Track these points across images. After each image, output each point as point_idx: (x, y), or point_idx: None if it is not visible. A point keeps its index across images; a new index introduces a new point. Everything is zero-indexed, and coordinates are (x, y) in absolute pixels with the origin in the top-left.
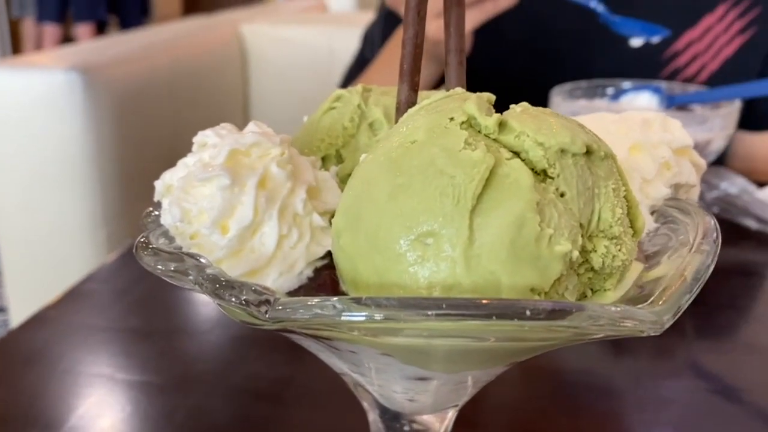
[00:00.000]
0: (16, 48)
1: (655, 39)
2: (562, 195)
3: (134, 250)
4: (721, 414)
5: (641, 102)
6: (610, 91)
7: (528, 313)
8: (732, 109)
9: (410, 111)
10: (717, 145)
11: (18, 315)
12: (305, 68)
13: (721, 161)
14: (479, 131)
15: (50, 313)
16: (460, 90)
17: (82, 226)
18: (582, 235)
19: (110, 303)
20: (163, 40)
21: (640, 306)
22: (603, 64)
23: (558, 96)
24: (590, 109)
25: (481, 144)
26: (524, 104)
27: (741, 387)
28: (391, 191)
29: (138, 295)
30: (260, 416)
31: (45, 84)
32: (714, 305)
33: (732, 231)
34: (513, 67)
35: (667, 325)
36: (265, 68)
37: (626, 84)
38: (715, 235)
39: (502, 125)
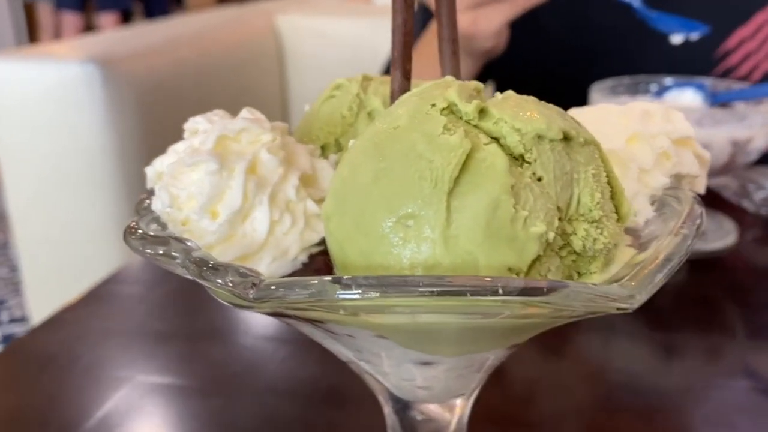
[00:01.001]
0: (33, 38)
1: (694, 36)
2: (539, 179)
3: (123, 236)
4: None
5: (685, 99)
6: (653, 87)
7: (500, 290)
8: None
9: (401, 98)
10: (759, 143)
11: None
12: (347, 64)
13: None
14: (460, 117)
15: (68, 316)
16: (449, 78)
17: (105, 228)
18: (560, 219)
19: (131, 305)
20: (190, 31)
21: (613, 284)
22: (649, 61)
23: (598, 92)
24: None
25: (459, 129)
26: (509, 92)
27: None
28: (375, 175)
29: (161, 296)
30: (286, 417)
31: (60, 77)
32: (763, 305)
33: None
34: (553, 63)
35: (638, 303)
36: (303, 64)
37: (669, 81)
38: (698, 221)
39: (482, 112)
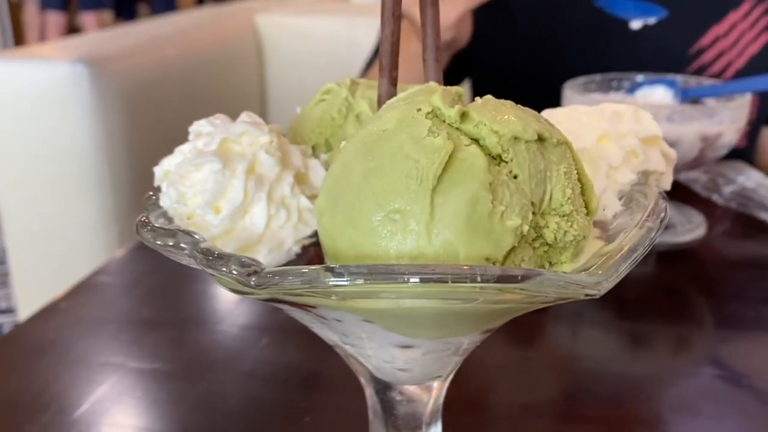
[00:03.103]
0: (18, 37)
1: (652, 20)
2: (515, 177)
3: (135, 229)
4: (732, 400)
5: (657, 95)
6: (625, 84)
7: (479, 277)
8: (743, 102)
9: (388, 102)
10: (728, 138)
11: (28, 315)
12: (324, 60)
13: (749, 158)
14: (444, 121)
15: (60, 305)
16: (433, 84)
17: (92, 223)
18: (534, 213)
19: (120, 295)
20: (174, 30)
21: (582, 272)
22: (623, 58)
23: (571, 89)
24: (604, 102)
25: (443, 132)
26: (488, 96)
27: (754, 374)
28: (365, 174)
29: (148, 287)
30: (269, 400)
31: (50, 76)
32: (729, 297)
33: (748, 225)
34: (526, 60)
35: (605, 289)
36: (282, 60)
37: (640, 77)
38: (663, 215)
39: (464, 116)
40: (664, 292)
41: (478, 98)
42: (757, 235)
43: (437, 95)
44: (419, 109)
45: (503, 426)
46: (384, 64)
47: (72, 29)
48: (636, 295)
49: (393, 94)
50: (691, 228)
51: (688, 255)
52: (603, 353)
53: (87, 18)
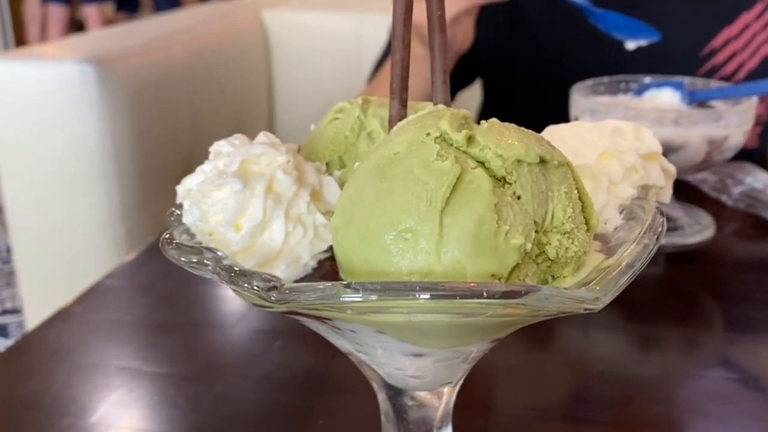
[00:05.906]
0: (19, 31)
1: (643, 42)
2: (518, 198)
3: (160, 245)
4: (741, 402)
5: (664, 98)
6: (633, 86)
7: (485, 294)
8: (749, 105)
9: (399, 124)
10: (735, 141)
11: (33, 316)
12: (332, 57)
13: (762, 157)
14: (451, 144)
15: (74, 309)
16: (441, 107)
17: (99, 223)
18: (536, 231)
19: (134, 299)
20: (180, 28)
21: (581, 288)
22: (635, 59)
23: (578, 92)
24: (612, 105)
25: (451, 156)
26: (493, 120)
27: (763, 376)
28: (378, 194)
29: (161, 291)
30: (284, 403)
31: (57, 76)
32: (739, 298)
33: (757, 226)
34: (535, 63)
35: (603, 304)
36: (289, 57)
37: (648, 79)
38: (659, 230)
39: (470, 140)
40: (673, 293)
41: (483, 122)
42: (765, 237)
43: (445, 120)
44: (428, 134)
45: (512, 428)
46: (395, 88)
47: (74, 22)
48: (645, 296)
49: (404, 115)
50: (699, 229)
51: (697, 256)
52: (612, 355)
53: (89, 11)
